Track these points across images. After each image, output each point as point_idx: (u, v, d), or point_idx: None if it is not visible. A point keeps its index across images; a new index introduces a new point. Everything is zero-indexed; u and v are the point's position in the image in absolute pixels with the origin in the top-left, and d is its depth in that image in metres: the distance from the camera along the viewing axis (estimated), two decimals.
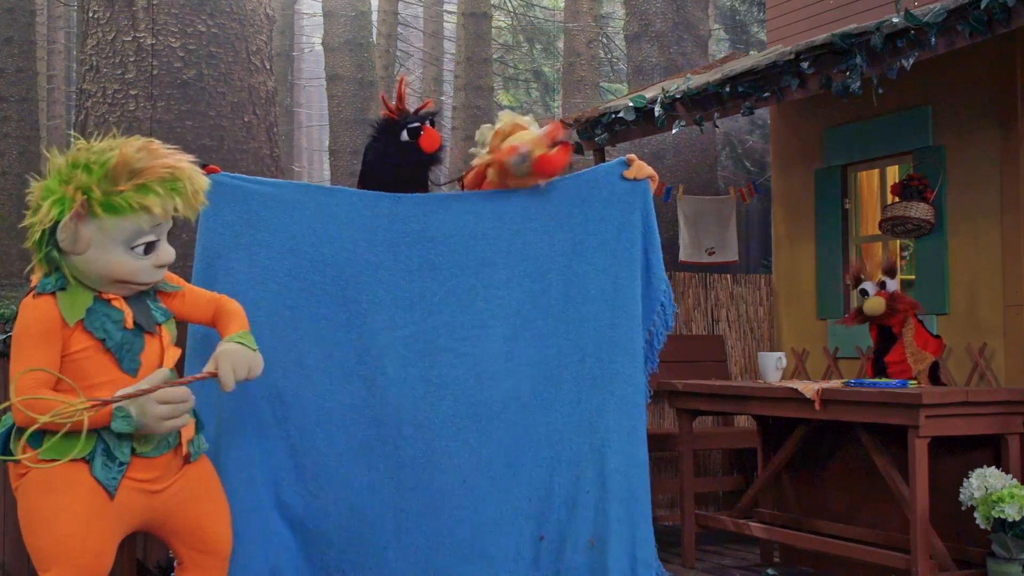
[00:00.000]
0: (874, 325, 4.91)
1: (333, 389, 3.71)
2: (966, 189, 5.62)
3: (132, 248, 2.90)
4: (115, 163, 2.84)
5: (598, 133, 6.16)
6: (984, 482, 3.97)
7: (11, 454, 2.91)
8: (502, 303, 3.84)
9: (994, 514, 3.87)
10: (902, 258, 6.52)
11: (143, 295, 3.05)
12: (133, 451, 2.95)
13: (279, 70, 17.20)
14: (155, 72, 8.20)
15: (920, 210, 5.66)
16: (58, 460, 2.83)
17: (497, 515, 3.74)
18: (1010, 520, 3.84)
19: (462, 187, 3.89)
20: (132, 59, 8.23)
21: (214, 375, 2.98)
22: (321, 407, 3.68)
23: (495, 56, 18.98)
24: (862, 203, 6.51)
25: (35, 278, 2.99)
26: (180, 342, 3.22)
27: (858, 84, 4.60)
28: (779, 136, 7.06)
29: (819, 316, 6.53)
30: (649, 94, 5.85)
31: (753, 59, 5.53)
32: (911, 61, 4.44)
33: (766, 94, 5.09)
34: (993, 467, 4.03)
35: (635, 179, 3.93)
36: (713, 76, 5.36)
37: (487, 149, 3.84)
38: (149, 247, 2.94)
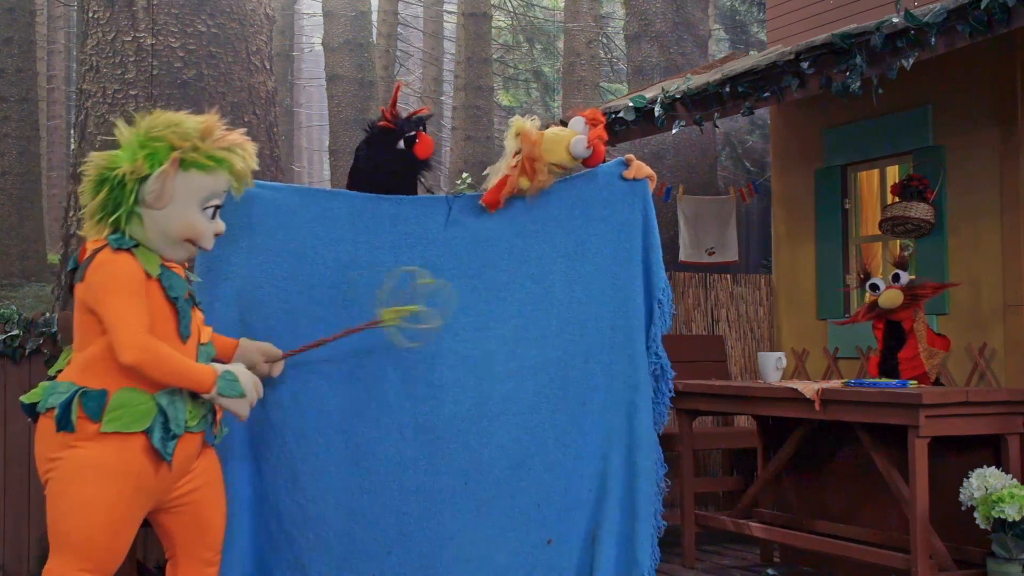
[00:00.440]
0: (881, 322, 4.90)
1: (333, 392, 3.70)
2: (966, 189, 5.63)
3: (204, 209, 3.08)
4: (203, 127, 3.06)
5: None
6: (984, 482, 3.97)
7: (71, 425, 2.92)
8: (504, 305, 3.83)
9: (994, 514, 3.87)
10: (902, 257, 6.51)
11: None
12: (187, 425, 3.03)
13: (279, 70, 17.20)
14: (155, 72, 8.20)
15: (920, 210, 5.66)
16: (120, 432, 2.91)
17: (501, 518, 3.72)
18: (1010, 520, 3.84)
19: (491, 204, 3.86)
20: (132, 59, 8.23)
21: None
22: (320, 410, 3.67)
23: (495, 56, 18.97)
24: (862, 203, 6.51)
25: (91, 243, 3.07)
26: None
27: (858, 84, 4.60)
28: (779, 136, 7.06)
29: (819, 316, 6.53)
30: (649, 94, 5.85)
31: (753, 59, 5.53)
32: (911, 61, 4.44)
33: (766, 94, 5.08)
34: (993, 467, 4.02)
35: (634, 179, 3.93)
36: (713, 76, 5.36)
37: (512, 154, 3.81)
38: (214, 212, 3.13)
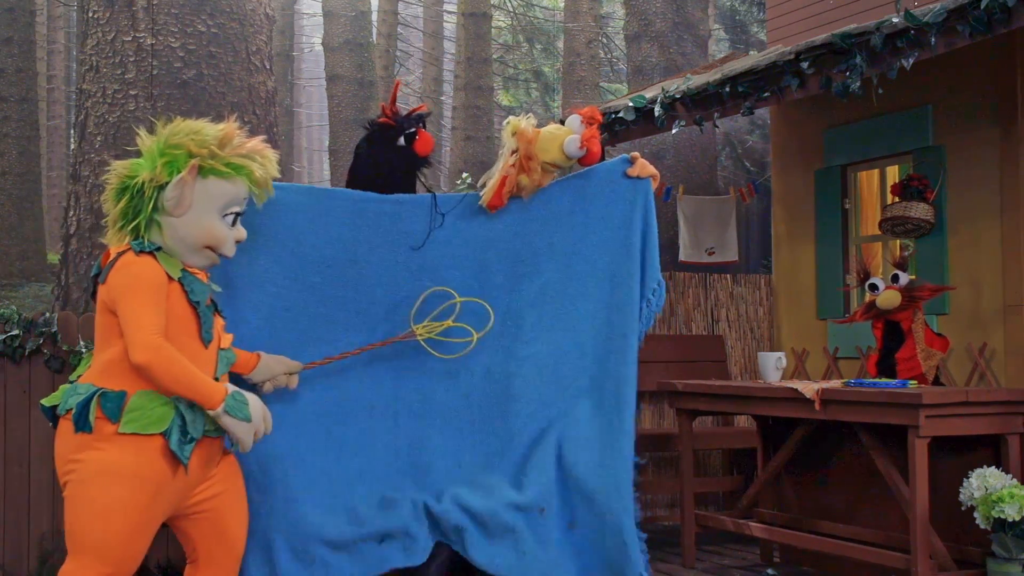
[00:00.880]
0: (880, 322, 4.90)
1: (330, 386, 3.74)
2: (966, 189, 5.63)
3: (224, 216, 3.12)
4: (223, 135, 3.09)
5: (599, 133, 6.15)
6: (984, 482, 3.97)
7: (88, 425, 2.93)
8: (500, 304, 3.84)
9: (994, 514, 3.87)
10: (902, 258, 6.51)
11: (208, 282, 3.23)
12: (204, 429, 3.04)
13: (279, 70, 17.20)
14: (155, 72, 8.20)
15: (920, 210, 5.66)
16: (138, 434, 2.92)
17: (495, 508, 3.74)
18: (1010, 520, 3.84)
19: (492, 207, 3.86)
20: (132, 59, 8.23)
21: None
22: (318, 404, 3.69)
23: (495, 56, 18.97)
24: (862, 203, 6.51)
25: (114, 248, 3.11)
26: None
27: (858, 84, 4.60)
28: (779, 136, 7.06)
29: (819, 316, 6.53)
30: (649, 94, 5.85)
31: (753, 59, 5.52)
32: (911, 61, 4.44)
33: (766, 94, 5.08)
34: (993, 467, 4.03)
35: (638, 177, 3.93)
36: (713, 76, 5.36)
37: (510, 152, 3.81)
38: (235, 219, 3.17)
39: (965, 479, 4.05)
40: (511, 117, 3.86)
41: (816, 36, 4.90)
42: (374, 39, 18.69)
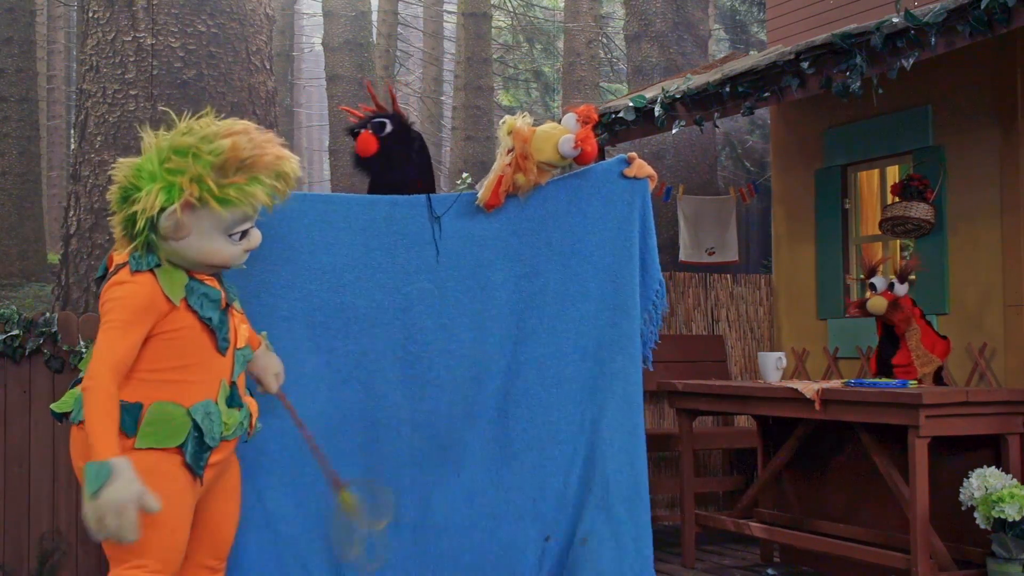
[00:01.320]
0: (880, 321, 4.91)
1: (330, 395, 3.72)
2: (966, 189, 5.63)
3: (230, 235, 2.95)
4: (227, 155, 2.85)
5: (598, 133, 6.16)
6: (984, 482, 3.97)
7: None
8: (499, 304, 3.84)
9: (994, 514, 3.87)
10: (902, 258, 6.51)
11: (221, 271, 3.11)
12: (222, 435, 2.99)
13: (279, 70, 17.20)
14: (155, 72, 8.20)
15: (920, 210, 5.66)
16: (153, 449, 2.85)
17: (493, 510, 3.74)
18: (1010, 520, 3.84)
19: (490, 206, 3.84)
20: (132, 59, 8.22)
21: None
22: (320, 414, 3.68)
23: (495, 56, 18.97)
24: (862, 203, 6.51)
25: (119, 257, 2.99)
26: None
27: (858, 84, 4.60)
28: (779, 136, 7.06)
29: (819, 316, 6.53)
30: (649, 94, 5.85)
31: (753, 59, 5.52)
32: (911, 61, 4.44)
33: (766, 94, 5.08)
34: (993, 467, 4.03)
35: (635, 177, 3.93)
36: (713, 76, 5.36)
37: (506, 152, 3.80)
38: (244, 233, 2.99)
39: (965, 479, 4.05)
40: (507, 116, 3.85)
41: (816, 36, 4.90)
42: (374, 39, 18.68)
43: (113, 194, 2.94)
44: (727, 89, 5.23)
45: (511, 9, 20.45)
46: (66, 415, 3.01)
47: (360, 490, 3.41)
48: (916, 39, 4.41)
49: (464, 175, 8.49)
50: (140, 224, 2.85)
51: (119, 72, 8.24)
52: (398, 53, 20.59)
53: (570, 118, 3.82)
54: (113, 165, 2.97)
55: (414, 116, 20.16)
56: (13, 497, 4.88)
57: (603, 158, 4.11)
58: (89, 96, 8.36)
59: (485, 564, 3.73)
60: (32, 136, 13.69)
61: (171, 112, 3.05)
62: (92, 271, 7.91)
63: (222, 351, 3.00)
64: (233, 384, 3.06)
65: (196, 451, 2.92)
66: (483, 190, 3.84)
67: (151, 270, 2.90)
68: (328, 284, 3.76)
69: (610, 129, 5.89)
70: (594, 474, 3.81)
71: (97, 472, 2.67)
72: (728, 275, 7.01)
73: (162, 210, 2.84)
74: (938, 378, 4.86)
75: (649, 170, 3.95)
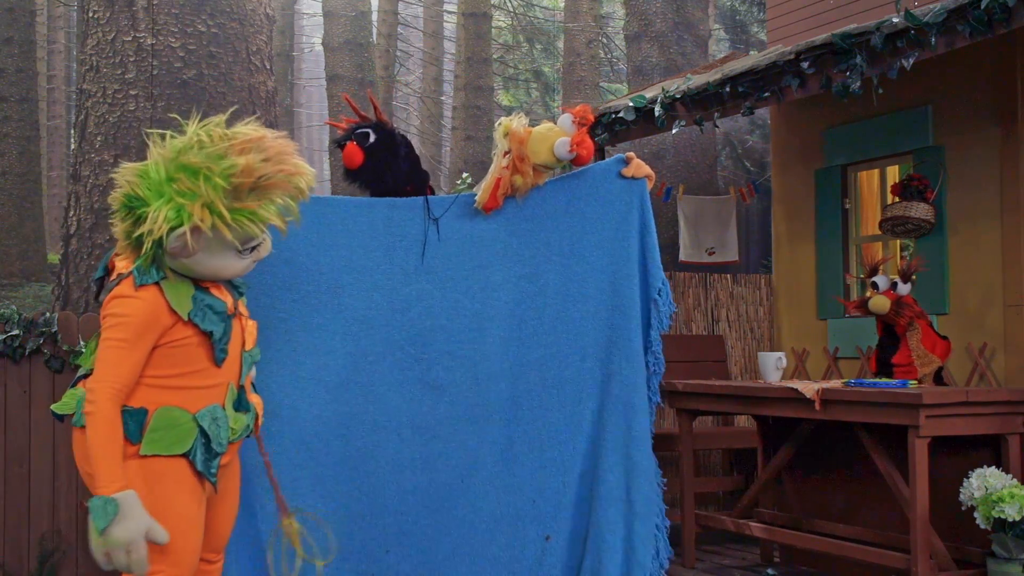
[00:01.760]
0: (880, 320, 4.91)
1: (329, 398, 3.71)
2: (966, 189, 5.62)
3: (240, 252, 2.88)
4: (239, 178, 2.73)
5: (598, 133, 6.16)
6: (984, 482, 3.97)
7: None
8: (498, 305, 3.84)
9: (994, 514, 3.87)
10: (902, 258, 6.51)
11: None
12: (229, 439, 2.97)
13: (279, 70, 17.19)
14: (155, 72, 8.20)
15: (920, 210, 5.66)
16: (159, 456, 2.82)
17: (495, 513, 3.74)
18: (1010, 520, 3.84)
19: (488, 209, 3.84)
20: (132, 59, 8.22)
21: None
22: (318, 417, 3.67)
23: (495, 56, 18.96)
24: (862, 203, 6.51)
25: (122, 263, 2.94)
26: None
27: (858, 84, 4.60)
28: (779, 136, 7.06)
29: (819, 316, 6.52)
30: (649, 94, 5.85)
31: (753, 59, 5.52)
32: (911, 61, 4.44)
33: (766, 94, 5.08)
34: (993, 467, 4.02)
35: (633, 177, 3.92)
36: (713, 76, 5.36)
37: (503, 153, 3.80)
38: (254, 247, 2.93)
39: (965, 479, 4.05)
40: (503, 118, 3.85)
41: (816, 36, 4.89)
42: (374, 39, 18.68)
43: (116, 200, 2.84)
44: (727, 89, 5.22)
45: (511, 9, 20.44)
46: (68, 416, 2.99)
47: (304, 521, 3.33)
48: (916, 39, 4.40)
49: (464, 175, 8.48)
50: (147, 246, 2.77)
51: (119, 72, 8.25)
52: (398, 53, 20.58)
53: (566, 119, 3.82)
54: (116, 170, 2.88)
55: (414, 116, 20.19)
56: (13, 497, 4.87)
57: (602, 157, 4.11)
58: (89, 96, 8.36)
59: (487, 565, 3.73)
60: (32, 136, 13.69)
61: (178, 117, 2.96)
62: (92, 271, 7.91)
63: (219, 362, 2.94)
64: (241, 387, 3.05)
65: (206, 458, 2.89)
66: (481, 193, 3.84)
67: (156, 283, 2.83)
68: (326, 286, 3.75)
69: (610, 129, 5.88)
70: (593, 475, 3.82)
71: (103, 509, 2.64)
72: (728, 275, 7.01)
73: (171, 230, 2.74)
74: (938, 378, 4.85)
75: (647, 170, 3.95)
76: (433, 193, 4.02)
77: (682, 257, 8.15)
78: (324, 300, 3.75)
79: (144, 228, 2.74)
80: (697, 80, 5.51)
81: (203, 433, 2.89)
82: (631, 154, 3.98)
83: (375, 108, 3.95)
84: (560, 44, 18.41)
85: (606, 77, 18.09)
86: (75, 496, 4.91)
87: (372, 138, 3.86)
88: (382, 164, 3.86)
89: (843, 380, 4.85)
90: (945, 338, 4.96)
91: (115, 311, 2.80)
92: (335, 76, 17.15)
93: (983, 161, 5.53)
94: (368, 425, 3.72)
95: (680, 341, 6.52)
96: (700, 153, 11.00)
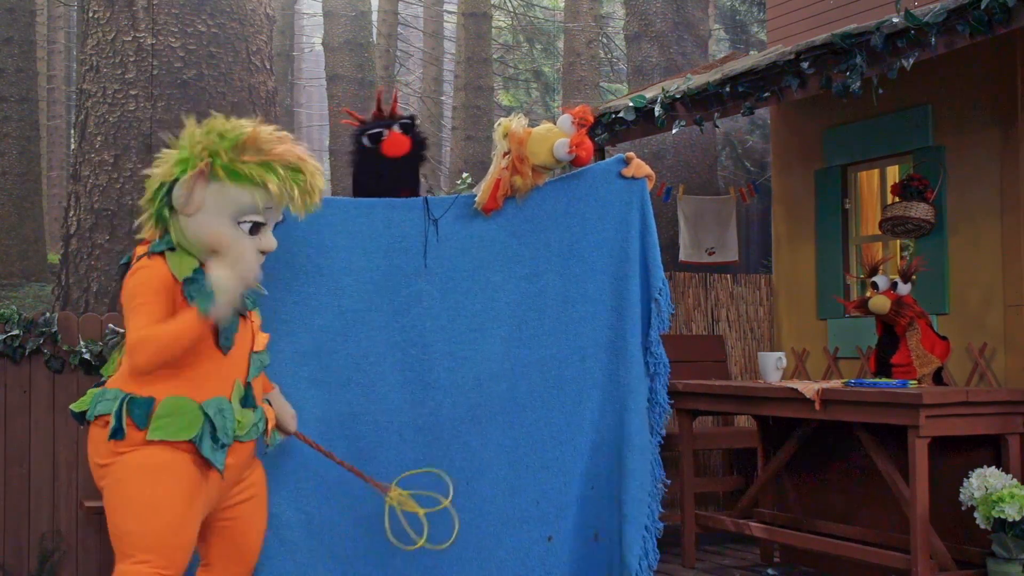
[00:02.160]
0: (880, 320, 4.91)
1: (331, 399, 3.70)
2: (966, 189, 5.62)
3: (239, 223, 3.00)
4: (246, 136, 2.96)
5: (598, 133, 6.16)
6: (984, 482, 3.97)
7: (122, 433, 2.90)
8: (499, 305, 3.83)
9: (994, 514, 3.87)
10: (902, 258, 6.51)
11: None
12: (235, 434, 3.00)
13: (279, 70, 17.19)
14: (155, 72, 8.20)
15: (920, 210, 5.66)
16: (166, 441, 2.88)
17: (501, 516, 3.73)
18: (1010, 520, 3.84)
19: (488, 209, 3.83)
20: (132, 59, 8.23)
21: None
22: (320, 419, 3.67)
23: (495, 56, 18.96)
24: (862, 203, 6.51)
25: (141, 250, 3.06)
26: None
27: (858, 84, 4.60)
28: (779, 136, 7.06)
29: (819, 316, 6.53)
30: (649, 94, 5.84)
31: (753, 59, 5.52)
32: (911, 61, 4.44)
33: (766, 94, 5.08)
34: (993, 467, 4.03)
35: (633, 177, 3.92)
36: (713, 76, 5.36)
37: (502, 154, 3.79)
38: (255, 228, 3.04)
39: (965, 479, 4.05)
40: (502, 118, 3.85)
41: (816, 36, 4.89)
42: (374, 39, 18.68)
43: (151, 180, 3.03)
44: (727, 89, 5.22)
45: (511, 9, 20.44)
46: (83, 414, 3.02)
47: (405, 483, 3.46)
48: (916, 39, 4.40)
49: (464, 175, 8.48)
50: (153, 189, 2.97)
51: (119, 72, 8.25)
52: (398, 53, 20.58)
53: (565, 119, 3.82)
54: (146, 171, 3.07)
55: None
56: (13, 497, 4.88)
57: (602, 158, 4.11)
58: (89, 96, 8.36)
59: (494, 568, 3.72)
60: (32, 136, 13.69)
61: (171, 112, 3.11)
62: (92, 271, 7.92)
63: (224, 349, 3.00)
64: (248, 385, 3.06)
65: (212, 446, 2.94)
66: (480, 194, 3.84)
67: (162, 252, 2.98)
68: (326, 287, 3.75)
69: (610, 129, 5.89)
70: (593, 474, 3.81)
71: (203, 296, 2.87)
72: (728, 275, 7.00)
73: (176, 181, 2.96)
74: (938, 378, 4.85)
75: (647, 170, 3.94)
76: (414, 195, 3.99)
77: (682, 257, 8.15)
78: (325, 302, 3.74)
79: (154, 170, 2.97)
80: (697, 80, 5.51)
81: (209, 422, 2.94)
82: (631, 154, 3.97)
83: (394, 104, 3.95)
84: (560, 44, 18.42)
85: (606, 77, 18.09)
86: (75, 496, 4.91)
87: (416, 129, 3.89)
88: (416, 158, 3.90)
89: (843, 380, 4.85)
90: (944, 338, 4.96)
91: (133, 283, 2.95)
92: (335, 76, 17.15)
93: (983, 161, 5.53)
94: (370, 426, 3.72)
95: (680, 341, 6.51)
96: (700, 153, 11.00)
